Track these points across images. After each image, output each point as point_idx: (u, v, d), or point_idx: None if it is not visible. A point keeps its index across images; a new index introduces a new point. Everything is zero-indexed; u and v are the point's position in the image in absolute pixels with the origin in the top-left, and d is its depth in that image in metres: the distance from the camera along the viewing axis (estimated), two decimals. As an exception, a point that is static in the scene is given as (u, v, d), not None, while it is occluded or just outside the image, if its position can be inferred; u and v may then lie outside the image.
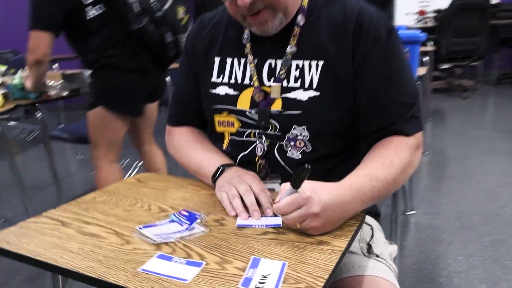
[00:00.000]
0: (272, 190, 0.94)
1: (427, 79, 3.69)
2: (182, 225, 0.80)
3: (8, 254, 0.75)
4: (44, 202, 2.78)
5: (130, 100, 2.09)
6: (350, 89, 0.93)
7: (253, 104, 0.98)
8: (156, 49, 2.02)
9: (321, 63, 0.93)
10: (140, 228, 0.79)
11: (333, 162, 0.98)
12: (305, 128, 0.94)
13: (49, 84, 2.24)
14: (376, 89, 0.92)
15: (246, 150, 1.01)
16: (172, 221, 0.82)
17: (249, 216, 0.85)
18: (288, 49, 0.94)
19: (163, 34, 1.98)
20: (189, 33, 1.12)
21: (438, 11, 5.59)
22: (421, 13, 5.86)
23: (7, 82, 2.15)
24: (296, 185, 0.76)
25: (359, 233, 0.88)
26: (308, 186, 0.77)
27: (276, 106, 0.96)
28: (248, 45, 0.99)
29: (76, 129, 2.54)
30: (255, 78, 0.98)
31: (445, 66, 5.50)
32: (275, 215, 0.83)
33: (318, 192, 0.77)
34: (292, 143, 0.96)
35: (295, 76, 0.95)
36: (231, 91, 1.01)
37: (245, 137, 1.01)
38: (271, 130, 0.97)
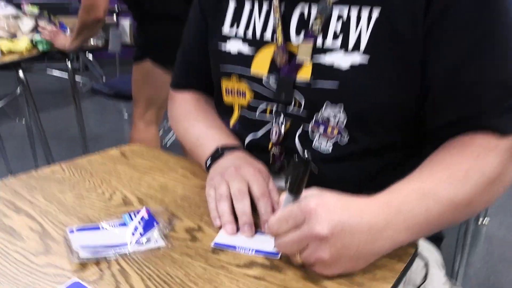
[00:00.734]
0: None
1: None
2: (133, 234, 0.55)
3: None
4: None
5: None
6: (417, 56, 0.60)
7: (273, 68, 0.69)
8: None
9: (376, 12, 0.60)
10: (71, 231, 0.54)
11: (378, 165, 0.67)
12: (342, 109, 0.64)
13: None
14: (460, 58, 0.59)
15: (257, 132, 0.73)
16: (123, 224, 0.57)
17: (238, 230, 0.58)
18: None
19: None
20: None
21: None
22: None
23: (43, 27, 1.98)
24: (293, 190, 0.47)
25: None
26: (315, 194, 0.49)
27: (304, 74, 0.66)
28: None
29: (116, 84, 2.38)
30: (279, 31, 0.68)
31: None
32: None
33: (328, 205, 0.48)
34: (321, 129, 0.66)
35: (335, 32, 0.63)
36: (245, 48, 0.72)
37: (258, 114, 0.72)
38: (293, 108, 0.68)
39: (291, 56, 0.67)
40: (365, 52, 0.61)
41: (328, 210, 0.48)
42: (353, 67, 0.62)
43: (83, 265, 0.50)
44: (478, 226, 2.01)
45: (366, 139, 0.65)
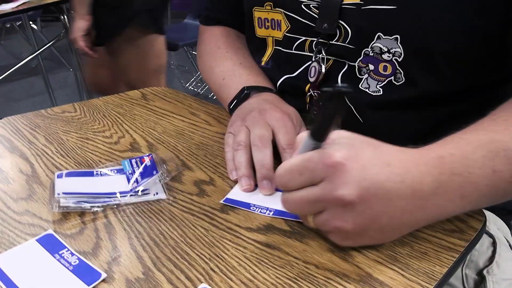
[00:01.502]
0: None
1: None
2: (128, 182, 0.46)
3: None
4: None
5: None
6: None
7: (314, -11, 0.55)
8: None
9: None
10: (59, 176, 0.46)
11: (440, 116, 0.52)
12: (399, 41, 0.49)
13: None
14: None
15: (293, 71, 0.60)
16: (121, 171, 0.48)
17: (256, 187, 0.47)
18: None
19: None
20: None
21: None
22: None
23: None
24: (317, 133, 0.35)
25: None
26: (345, 142, 0.36)
27: (353, -4, 0.52)
28: None
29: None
30: None
31: None
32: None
33: (361, 160, 0.35)
34: (371, 66, 0.52)
35: None
36: None
37: (295, 48, 0.59)
38: (338, 39, 0.54)
39: (337, -26, 0.53)
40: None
41: (360, 166, 0.35)
42: (416, -15, 0.47)
43: (64, 215, 0.41)
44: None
45: (427, 82, 0.50)
